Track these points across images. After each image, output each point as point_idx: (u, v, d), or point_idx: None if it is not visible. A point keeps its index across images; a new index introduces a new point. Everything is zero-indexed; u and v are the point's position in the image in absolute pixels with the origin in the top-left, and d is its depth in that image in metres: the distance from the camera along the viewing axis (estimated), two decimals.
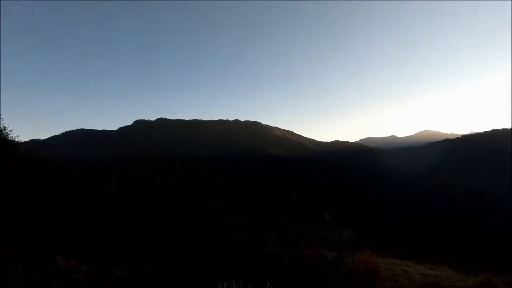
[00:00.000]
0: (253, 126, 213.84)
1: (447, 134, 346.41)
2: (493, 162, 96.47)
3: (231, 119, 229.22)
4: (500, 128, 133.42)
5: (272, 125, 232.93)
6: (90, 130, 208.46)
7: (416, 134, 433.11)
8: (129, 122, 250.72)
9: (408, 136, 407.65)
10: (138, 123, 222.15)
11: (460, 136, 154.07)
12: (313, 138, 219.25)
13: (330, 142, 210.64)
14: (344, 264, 9.04)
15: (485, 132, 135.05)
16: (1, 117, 17.67)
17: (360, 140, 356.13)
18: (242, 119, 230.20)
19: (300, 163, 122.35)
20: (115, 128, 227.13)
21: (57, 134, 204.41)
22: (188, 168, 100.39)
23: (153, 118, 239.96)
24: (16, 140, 18.61)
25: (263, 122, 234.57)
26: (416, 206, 70.59)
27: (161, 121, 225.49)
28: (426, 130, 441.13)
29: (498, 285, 7.45)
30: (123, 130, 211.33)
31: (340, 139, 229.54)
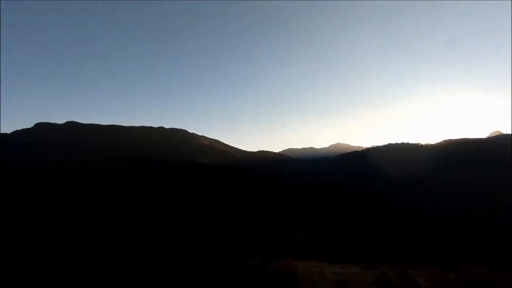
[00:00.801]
0: (179, 134, 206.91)
1: (354, 146, 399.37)
2: (387, 171, 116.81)
3: (155, 125, 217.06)
4: (394, 143, 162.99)
5: (200, 133, 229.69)
6: None
7: (330, 146, 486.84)
8: (29, 124, 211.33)
9: (324, 148, 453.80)
10: (40, 126, 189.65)
11: (364, 149, 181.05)
12: (239, 147, 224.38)
13: (255, 152, 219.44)
14: (267, 270, 9.75)
15: (383, 146, 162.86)
16: None
17: (284, 150, 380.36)
18: (167, 126, 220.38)
19: (226, 172, 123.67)
20: (9, 131, 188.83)
21: None
22: (101, 178, 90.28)
23: (61, 121, 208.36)
24: None
25: (190, 131, 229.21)
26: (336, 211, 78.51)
27: (71, 125, 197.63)
28: (338, 143, 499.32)
29: (392, 277, 8.42)
30: (19, 134, 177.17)
31: (265, 149, 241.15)
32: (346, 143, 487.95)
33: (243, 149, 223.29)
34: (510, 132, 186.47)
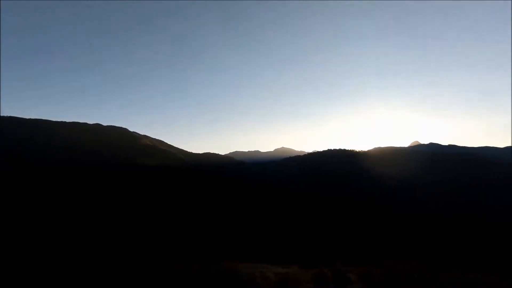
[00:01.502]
0: (117, 132, 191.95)
1: (297, 151, 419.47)
2: (326, 175, 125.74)
3: (90, 122, 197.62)
4: (337, 148, 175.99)
5: (141, 133, 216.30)
6: None
7: (275, 150, 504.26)
8: None
9: (269, 152, 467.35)
10: None
11: (306, 153, 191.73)
12: (185, 149, 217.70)
13: (201, 153, 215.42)
14: (208, 272, 9.92)
15: (322, 152, 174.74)
16: None
17: (230, 153, 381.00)
18: (105, 124, 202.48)
19: (169, 174, 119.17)
20: None
21: None
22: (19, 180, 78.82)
23: None
24: None
25: (131, 129, 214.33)
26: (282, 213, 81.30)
27: None
28: (282, 147, 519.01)
29: (329, 274, 8.90)
30: None
31: (211, 151, 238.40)
32: (290, 147, 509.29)
33: (188, 150, 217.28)
34: (426, 142, 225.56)
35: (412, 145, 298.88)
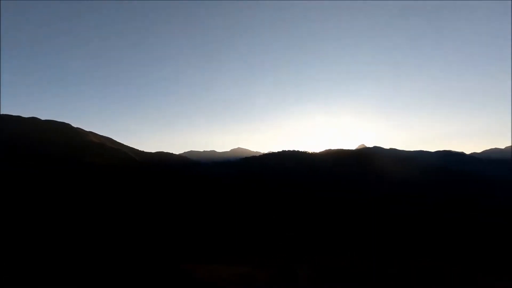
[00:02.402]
0: (58, 127, 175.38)
1: (253, 151, 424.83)
2: (280, 174, 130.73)
3: (25, 115, 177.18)
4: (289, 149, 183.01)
5: (87, 129, 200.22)
6: None
7: (231, 150, 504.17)
8: None
9: (225, 152, 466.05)
10: None
11: (262, 154, 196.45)
12: (136, 147, 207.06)
13: (154, 152, 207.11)
14: (164, 273, 10.45)
15: (277, 152, 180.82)
16: None
17: (185, 152, 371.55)
18: (43, 118, 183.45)
19: (118, 173, 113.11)
20: None
21: None
22: None
23: None
24: None
25: (75, 125, 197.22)
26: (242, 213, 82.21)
27: None
28: (238, 147, 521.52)
29: (283, 271, 9.65)
30: None
31: (165, 150, 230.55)
32: (246, 147, 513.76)
33: (140, 149, 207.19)
34: (372, 146, 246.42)
35: (359, 147, 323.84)
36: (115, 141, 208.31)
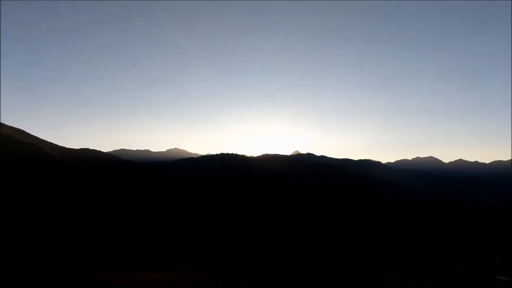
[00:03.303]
0: None
1: (191, 153, 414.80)
2: (218, 178, 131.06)
3: None
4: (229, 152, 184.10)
5: None
6: None
7: (167, 150, 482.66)
8: None
9: (160, 152, 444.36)
10: None
11: (200, 156, 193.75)
12: (55, 143, 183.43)
13: (77, 149, 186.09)
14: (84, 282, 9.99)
15: (219, 154, 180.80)
16: None
17: (114, 150, 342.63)
18: None
19: (32, 173, 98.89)
20: None
21: None
22: None
23: None
24: None
25: None
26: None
27: None
28: (175, 148, 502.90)
29: (216, 276, 8.96)
30: None
31: (91, 147, 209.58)
32: (183, 148, 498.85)
33: (60, 145, 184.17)
34: (306, 152, 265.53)
35: (294, 153, 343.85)
36: (29, 134, 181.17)
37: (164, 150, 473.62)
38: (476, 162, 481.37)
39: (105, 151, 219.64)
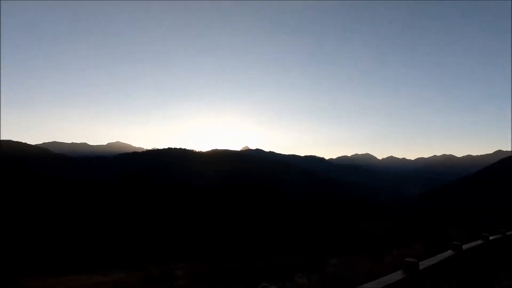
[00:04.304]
0: None
1: (135, 147, 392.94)
2: (161, 174, 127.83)
3: None
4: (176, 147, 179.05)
5: None
6: None
7: (108, 144, 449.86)
8: None
9: (100, 145, 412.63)
10: None
11: (145, 150, 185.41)
12: None
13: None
14: None
15: (165, 149, 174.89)
16: None
17: (45, 143, 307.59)
18: None
19: None
20: None
21: None
22: None
23: None
24: None
25: None
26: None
27: None
28: (117, 142, 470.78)
29: (156, 275, 8.74)
30: None
31: (16, 139, 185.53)
32: (127, 142, 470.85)
33: None
34: (255, 148, 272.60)
35: (243, 149, 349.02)
36: None
37: (104, 143, 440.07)
38: (404, 158, 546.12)
39: (33, 143, 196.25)
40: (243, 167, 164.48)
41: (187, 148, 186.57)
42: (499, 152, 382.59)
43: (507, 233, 6.63)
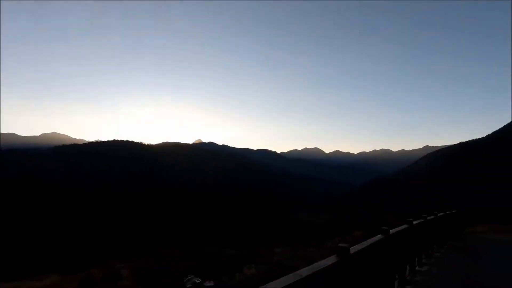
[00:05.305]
0: None
1: (75, 138, 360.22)
2: (111, 167, 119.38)
3: None
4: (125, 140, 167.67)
5: None
6: None
7: (42, 135, 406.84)
8: None
9: (32, 136, 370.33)
10: None
11: (87, 142, 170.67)
12: None
13: None
14: None
15: (110, 141, 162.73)
16: None
17: None
18: None
19: None
20: None
21: None
22: None
23: None
24: None
25: None
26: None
27: None
28: (54, 132, 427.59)
29: (98, 275, 8.94)
30: None
31: None
32: (65, 133, 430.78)
33: None
34: (208, 141, 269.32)
35: (196, 142, 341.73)
36: None
37: (37, 134, 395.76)
38: (348, 152, 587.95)
39: None
40: (192, 161, 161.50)
41: (135, 141, 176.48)
42: (427, 147, 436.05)
43: (428, 217, 7.65)
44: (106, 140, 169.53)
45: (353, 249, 2.77)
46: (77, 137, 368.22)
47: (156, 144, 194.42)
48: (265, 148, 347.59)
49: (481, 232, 13.07)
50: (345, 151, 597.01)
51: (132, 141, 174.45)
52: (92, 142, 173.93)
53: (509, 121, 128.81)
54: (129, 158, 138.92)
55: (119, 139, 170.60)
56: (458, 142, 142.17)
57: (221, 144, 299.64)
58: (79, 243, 47.19)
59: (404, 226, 5.29)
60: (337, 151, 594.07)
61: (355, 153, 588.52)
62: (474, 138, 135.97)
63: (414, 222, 5.92)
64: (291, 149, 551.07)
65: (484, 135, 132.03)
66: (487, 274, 5.90)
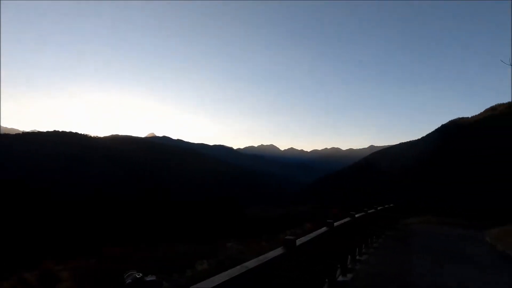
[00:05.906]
0: None
1: (6, 128, 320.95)
2: (49, 159, 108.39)
3: None
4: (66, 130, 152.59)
5: None
6: None
7: None
8: None
9: None
10: None
11: (21, 132, 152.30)
12: None
13: None
14: None
15: (48, 132, 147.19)
16: None
17: None
18: None
19: None
20: None
21: None
22: None
23: None
24: None
25: None
26: None
27: None
28: None
29: (32, 279, 8.31)
30: None
31: None
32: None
33: None
34: (162, 135, 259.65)
35: (148, 135, 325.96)
36: None
37: None
38: (302, 150, 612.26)
39: None
40: (143, 155, 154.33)
41: (79, 132, 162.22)
42: (372, 146, 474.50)
43: (369, 211, 8.40)
44: (45, 131, 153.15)
45: (299, 241, 2.93)
46: (9, 126, 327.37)
47: (104, 137, 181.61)
48: (222, 144, 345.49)
49: (413, 224, 14.73)
50: (299, 148, 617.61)
51: (76, 133, 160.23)
52: (27, 133, 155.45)
53: (439, 125, 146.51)
54: (71, 152, 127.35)
55: (60, 130, 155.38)
56: (398, 143, 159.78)
57: (176, 138, 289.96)
58: (8, 244, 42.25)
59: (347, 219, 5.74)
60: (292, 148, 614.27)
61: (308, 150, 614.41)
62: (410, 140, 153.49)
63: (356, 215, 6.45)
64: (247, 145, 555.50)
65: (419, 137, 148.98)
66: (416, 257, 7.12)
